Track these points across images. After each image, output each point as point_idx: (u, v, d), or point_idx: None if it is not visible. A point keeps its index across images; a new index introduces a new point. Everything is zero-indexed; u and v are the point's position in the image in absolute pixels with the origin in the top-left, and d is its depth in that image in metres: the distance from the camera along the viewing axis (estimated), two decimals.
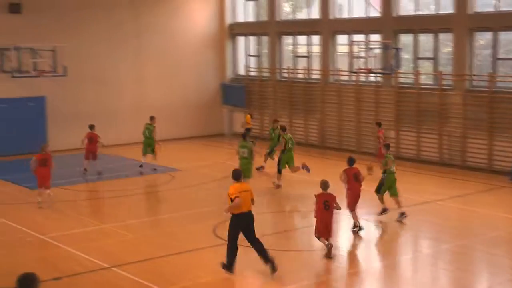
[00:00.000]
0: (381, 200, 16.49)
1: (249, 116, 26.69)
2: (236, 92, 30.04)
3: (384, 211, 16.32)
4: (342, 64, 26.74)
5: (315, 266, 13.46)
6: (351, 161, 15.69)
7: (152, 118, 22.61)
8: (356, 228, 15.34)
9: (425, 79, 24.28)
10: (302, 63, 28.25)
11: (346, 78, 26.33)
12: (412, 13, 24.40)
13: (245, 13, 30.33)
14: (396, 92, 24.31)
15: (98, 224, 16.16)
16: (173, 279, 12.48)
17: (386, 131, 24.42)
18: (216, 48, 30.45)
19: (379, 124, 21.95)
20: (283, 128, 20.57)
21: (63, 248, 14.27)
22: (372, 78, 25.33)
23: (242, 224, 12.43)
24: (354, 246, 14.95)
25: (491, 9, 22.27)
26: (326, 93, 26.71)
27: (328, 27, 26.61)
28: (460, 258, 14.02)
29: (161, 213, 17.87)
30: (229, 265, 12.55)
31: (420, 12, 24.19)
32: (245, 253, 14.20)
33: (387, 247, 14.76)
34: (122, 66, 27.89)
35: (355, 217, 15.41)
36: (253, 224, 12.52)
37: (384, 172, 16.49)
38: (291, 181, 20.44)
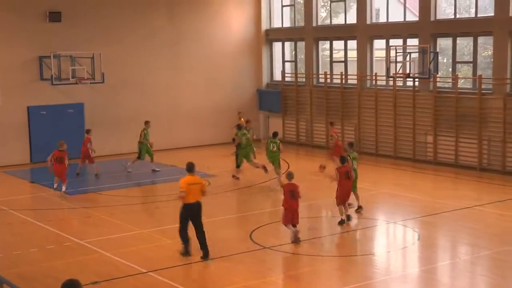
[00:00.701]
0: (356, 196, 17.48)
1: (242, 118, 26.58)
2: (272, 98, 30.05)
3: (358, 208, 17.44)
4: (379, 69, 26.56)
5: (352, 272, 13.35)
6: (343, 160, 16.67)
7: (147, 122, 23.43)
8: (342, 222, 16.29)
9: (464, 83, 23.96)
10: (338, 68, 28.12)
11: (383, 83, 26.14)
12: (450, 16, 24.12)
13: (281, 18, 30.34)
14: (434, 97, 24.04)
15: (135, 229, 16.28)
16: (209, 284, 12.52)
17: (424, 135, 24.21)
18: (253, 54, 30.52)
19: (331, 124, 23.62)
20: (239, 126, 22.09)
21: (100, 253, 14.41)
22: (409, 82, 25.08)
23: (190, 213, 13.86)
24: (390, 252, 14.78)
25: None
26: (363, 98, 26.55)
27: (365, 31, 26.46)
28: (500, 265, 13.76)
29: None
30: (185, 251, 13.95)
31: (459, 16, 23.89)
32: (279, 258, 14.18)
33: (425, 253, 14.55)
34: (159, 72, 28.13)
35: (341, 211, 16.36)
36: (201, 213, 13.90)
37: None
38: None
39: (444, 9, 24.73)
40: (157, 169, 23.33)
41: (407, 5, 25.87)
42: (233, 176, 21.88)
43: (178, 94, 28.61)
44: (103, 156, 24.69)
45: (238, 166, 21.84)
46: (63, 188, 19.69)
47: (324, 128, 27.99)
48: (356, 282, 12.66)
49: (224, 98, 29.53)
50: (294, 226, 14.75)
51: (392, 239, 16.35)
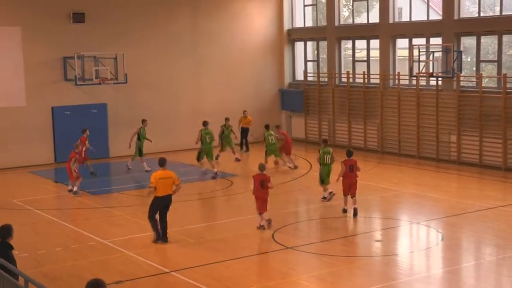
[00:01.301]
0: (325, 189, 18.49)
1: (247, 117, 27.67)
2: (295, 98, 30.02)
3: (330, 194, 18.41)
4: (402, 68, 26.40)
5: (375, 272, 13.28)
6: (349, 153, 17.59)
7: (143, 121, 23.79)
8: (344, 211, 17.31)
9: (488, 82, 23.74)
10: (361, 68, 28.02)
11: (406, 82, 25.98)
12: (474, 15, 23.89)
13: (303, 18, 30.29)
14: (458, 96, 23.84)
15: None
16: (232, 284, 12.52)
17: (447, 135, 24.03)
18: (275, 54, 30.50)
19: (277, 127, 24.80)
20: (205, 123, 23.03)
21: (124, 253, 14.50)
22: (433, 82, 24.91)
23: (160, 205, 14.90)
24: (413, 252, 14.68)
25: None
26: (386, 97, 26.41)
27: (387, 31, 26.32)
28: None
29: (220, 218, 17.96)
30: (156, 237, 14.97)
31: (483, 14, 23.65)
32: (301, 259, 14.17)
33: (449, 253, 14.44)
34: (181, 73, 28.22)
35: (345, 202, 17.30)
36: (170, 206, 14.99)
37: (320, 164, 18.52)
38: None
39: (468, 8, 24.51)
40: (130, 167, 23.65)
41: (430, 4, 25.71)
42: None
43: (200, 95, 28.69)
44: (123, 157, 24.74)
45: (198, 160, 23.20)
46: (73, 188, 20.11)
47: (346, 128, 27.90)
48: (379, 283, 12.60)
49: (246, 98, 29.53)
50: (261, 213, 15.99)
51: (416, 239, 16.25)
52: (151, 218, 15.02)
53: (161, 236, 15.00)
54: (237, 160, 25.26)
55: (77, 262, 13.98)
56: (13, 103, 24.91)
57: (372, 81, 27.34)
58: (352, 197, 17.28)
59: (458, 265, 13.75)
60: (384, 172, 23.15)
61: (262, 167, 16.10)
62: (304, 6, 30.18)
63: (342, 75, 28.41)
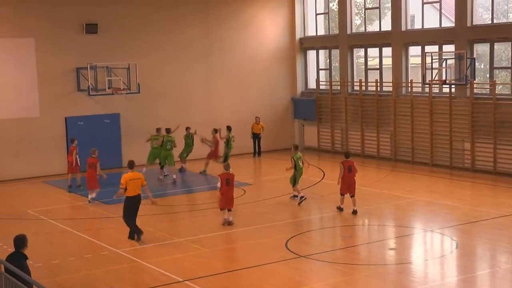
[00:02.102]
0: (297, 191, 19.55)
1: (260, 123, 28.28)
2: (307, 106, 30.00)
3: (301, 198, 19.39)
4: (414, 76, 26.32)
5: (389, 280, 13.20)
6: (347, 155, 18.86)
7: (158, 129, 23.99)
8: (340, 209, 18.34)
9: (502, 89, 23.61)
10: (373, 76, 27.96)
11: (419, 90, 25.90)
12: (487, 22, 23.79)
13: (315, 26, 30.31)
14: (471, 103, 23.72)
15: (172, 238, 16.36)
16: None
17: (461, 142, 23.91)
18: (287, 63, 30.52)
19: (215, 130, 24.67)
20: (167, 130, 23.54)
21: (137, 262, 14.51)
22: (446, 89, 24.81)
23: (131, 205, 15.91)
24: (427, 260, 14.58)
25: None
26: (398, 105, 26.33)
27: (400, 38, 26.27)
28: None
29: (233, 227, 17.91)
30: (131, 235, 16.11)
31: (496, 21, 23.56)
32: (315, 267, 14.13)
33: (464, 261, 14.34)
34: (193, 82, 28.29)
35: (341, 200, 18.32)
36: (139, 205, 16.08)
37: (295, 169, 19.44)
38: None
39: (481, 14, 24.42)
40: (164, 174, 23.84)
41: (443, 11, 25.63)
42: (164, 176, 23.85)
43: (213, 104, 28.73)
44: (136, 166, 24.78)
45: (161, 168, 23.84)
46: (92, 195, 20.30)
47: (359, 136, 27.84)
48: None
49: (259, 107, 29.54)
50: (229, 210, 17.29)
51: (430, 247, 16.15)
52: (125, 217, 16.12)
53: (137, 235, 16.08)
54: (182, 170, 25.03)
55: (90, 272, 14.00)
56: (27, 114, 25.06)
57: (384, 89, 27.27)
58: (351, 197, 18.24)
59: (473, 273, 13.65)
60: (397, 180, 23.06)
61: (227, 167, 17.55)
62: (316, 14, 30.20)
63: (355, 83, 28.37)
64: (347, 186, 18.27)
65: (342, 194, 18.38)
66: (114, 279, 13.44)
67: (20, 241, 10.28)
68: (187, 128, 25.27)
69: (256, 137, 28.33)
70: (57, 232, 17.49)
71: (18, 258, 10.05)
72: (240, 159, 27.05)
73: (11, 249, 10.41)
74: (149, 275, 13.68)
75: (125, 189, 15.81)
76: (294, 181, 19.71)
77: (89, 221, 18.50)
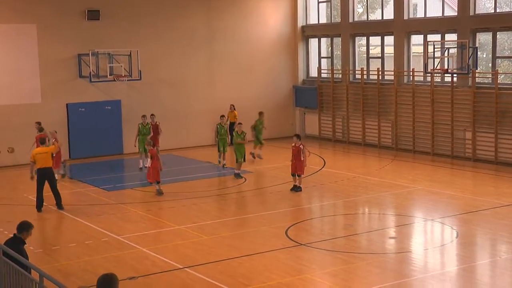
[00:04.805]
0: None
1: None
2: (309, 94, 29.95)
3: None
4: (416, 64, 26.25)
5: (389, 269, 13.23)
6: (299, 137, 19.89)
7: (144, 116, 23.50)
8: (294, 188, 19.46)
9: (504, 79, 23.56)
10: (375, 64, 27.90)
11: (420, 79, 25.84)
12: (490, 11, 23.69)
13: (317, 14, 30.21)
14: (473, 93, 23.68)
15: (172, 225, 16.38)
16: (245, 281, 12.52)
17: (462, 131, 23.89)
18: (289, 51, 30.45)
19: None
20: (143, 116, 23.45)
21: (138, 249, 14.54)
22: (447, 78, 24.75)
23: (42, 176, 17.62)
24: (427, 250, 14.60)
25: None
26: (400, 94, 26.29)
27: (402, 27, 26.19)
28: None
29: (234, 215, 17.97)
30: (38, 206, 17.80)
31: (499, 10, 23.45)
32: (315, 255, 14.15)
33: (464, 250, 14.35)
34: (195, 70, 28.25)
35: (294, 180, 19.57)
36: (52, 176, 17.87)
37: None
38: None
39: (484, 3, 24.32)
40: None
41: (445, 0, 25.51)
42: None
43: (215, 91, 28.69)
44: (137, 153, 24.83)
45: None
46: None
47: (360, 124, 27.81)
48: (393, 280, 12.55)
49: (260, 95, 29.52)
50: (158, 182, 19.32)
51: (430, 236, 16.17)
52: (38, 189, 17.75)
53: (56, 203, 17.94)
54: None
55: (91, 258, 14.03)
56: (29, 100, 25.05)
57: (386, 77, 27.22)
58: (298, 176, 19.40)
59: (473, 263, 13.66)
60: (398, 169, 23.06)
61: (149, 143, 20.06)
62: (318, 2, 30.09)
63: (357, 72, 28.31)
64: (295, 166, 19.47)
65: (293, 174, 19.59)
66: (115, 265, 13.47)
67: (22, 226, 10.30)
68: (143, 116, 23.55)
69: (231, 126, 25.92)
70: (58, 219, 17.53)
71: (16, 242, 10.07)
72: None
73: (11, 235, 10.43)
74: (150, 261, 13.71)
75: (34, 162, 17.62)
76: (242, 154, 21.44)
77: (90, 208, 18.53)
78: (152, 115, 23.66)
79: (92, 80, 25.16)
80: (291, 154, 19.77)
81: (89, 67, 25.02)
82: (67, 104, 25.73)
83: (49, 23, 25.21)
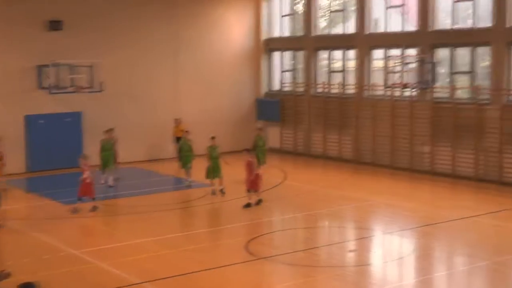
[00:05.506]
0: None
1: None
2: (271, 107, 30.05)
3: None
4: (377, 78, 26.55)
5: (348, 282, 13.30)
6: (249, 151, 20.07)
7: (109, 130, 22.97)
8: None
9: (462, 94, 23.98)
10: (337, 78, 28.14)
11: (381, 93, 26.15)
12: (449, 27, 24.14)
13: (281, 28, 30.39)
14: (432, 107, 24.04)
15: (132, 239, 16.22)
16: None
17: (421, 145, 24.20)
18: (252, 64, 30.55)
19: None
20: (106, 130, 22.93)
21: (96, 264, 14.36)
22: (407, 93, 25.09)
23: None
24: (386, 262, 14.74)
25: None
26: (361, 108, 26.55)
27: (364, 41, 26.50)
28: (497, 276, 13.74)
29: (194, 228, 17.90)
30: None
31: (457, 26, 23.92)
32: (275, 269, 14.16)
33: (422, 263, 14.53)
34: (158, 81, 28.13)
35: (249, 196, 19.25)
36: None
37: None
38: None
39: (443, 20, 24.76)
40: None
41: (405, 15, 25.91)
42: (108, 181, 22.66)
43: (177, 103, 28.59)
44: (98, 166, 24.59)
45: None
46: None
47: (321, 138, 28.00)
48: None
49: (223, 107, 29.54)
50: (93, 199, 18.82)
51: (389, 249, 16.31)
52: None
53: None
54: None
55: (48, 273, 13.79)
56: None
57: (348, 91, 27.47)
58: (255, 191, 19.26)
59: (430, 275, 13.84)
60: (358, 182, 23.27)
61: (83, 157, 19.51)
62: (282, 16, 30.27)
63: (318, 86, 28.52)
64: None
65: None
66: (73, 280, 13.29)
67: None
68: (108, 131, 23.04)
69: (178, 140, 25.29)
70: (14, 233, 17.21)
71: None
72: (203, 159, 26.95)
73: None
74: (109, 276, 13.55)
75: None
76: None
77: (47, 222, 18.23)
78: (107, 130, 23.19)
79: (52, 91, 24.82)
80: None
81: (50, 78, 24.69)
82: (25, 115, 25.35)
83: (9, 33, 24.81)
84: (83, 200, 18.89)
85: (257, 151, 23.03)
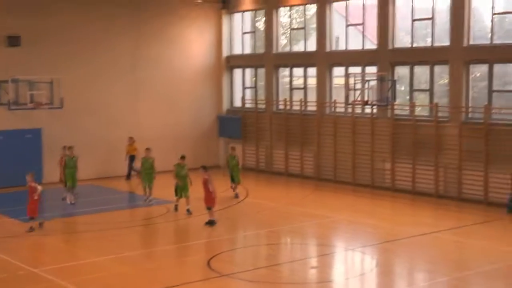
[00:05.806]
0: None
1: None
2: (233, 124, 30.09)
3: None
4: (338, 96, 26.81)
5: None
6: (205, 168, 19.51)
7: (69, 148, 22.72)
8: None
9: (421, 111, 24.34)
10: (298, 95, 28.33)
11: (342, 110, 26.38)
12: (408, 45, 24.55)
13: (242, 45, 30.51)
14: (392, 124, 24.35)
15: (92, 257, 16.00)
16: None
17: (382, 162, 24.45)
18: (213, 80, 30.58)
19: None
20: (69, 147, 22.65)
21: (55, 282, 14.11)
22: (368, 110, 25.37)
23: None
24: (348, 279, 14.80)
25: (486, 42, 22.40)
26: (322, 125, 26.75)
27: (324, 59, 26.76)
28: None
29: (156, 246, 17.74)
30: None
31: (416, 45, 24.34)
32: (237, 286, 14.11)
33: (383, 279, 14.63)
34: (119, 98, 27.95)
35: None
36: None
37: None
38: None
39: (402, 38, 25.17)
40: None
41: (365, 34, 26.27)
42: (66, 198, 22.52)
43: (138, 120, 28.43)
44: (58, 183, 24.26)
45: (65, 185, 22.59)
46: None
47: (283, 154, 28.09)
48: None
49: (184, 124, 29.47)
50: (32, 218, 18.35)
51: (351, 266, 16.39)
52: None
53: None
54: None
55: None
56: None
57: (309, 108, 27.66)
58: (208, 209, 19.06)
59: None
60: (320, 199, 23.38)
61: (30, 174, 18.61)
62: (243, 33, 30.42)
63: (280, 102, 28.67)
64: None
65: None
66: None
67: None
68: (70, 148, 22.79)
69: (131, 158, 26.58)
70: None
71: None
72: (164, 176, 26.84)
73: None
74: None
75: None
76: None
77: (4, 240, 17.88)
78: (70, 147, 22.96)
79: (11, 107, 24.44)
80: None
81: (8, 94, 24.32)
82: None
83: None
84: (35, 219, 18.52)
85: (230, 171, 23.33)
